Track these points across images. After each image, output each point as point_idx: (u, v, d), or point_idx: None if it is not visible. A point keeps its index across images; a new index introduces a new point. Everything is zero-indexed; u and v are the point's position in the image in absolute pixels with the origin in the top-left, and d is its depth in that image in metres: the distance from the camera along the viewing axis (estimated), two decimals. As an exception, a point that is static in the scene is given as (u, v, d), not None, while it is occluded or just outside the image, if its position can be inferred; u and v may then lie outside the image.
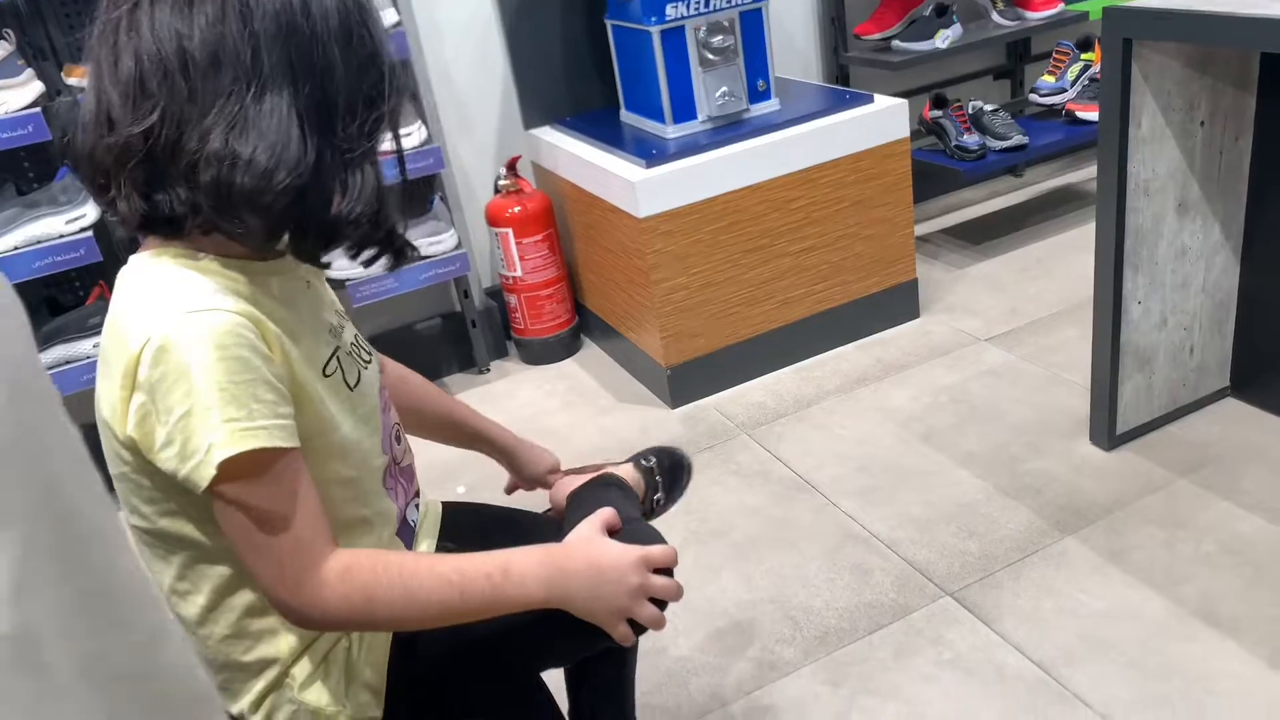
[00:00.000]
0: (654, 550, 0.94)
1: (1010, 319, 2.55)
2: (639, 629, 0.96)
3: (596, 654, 1.15)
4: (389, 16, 2.26)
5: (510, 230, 2.58)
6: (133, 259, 0.88)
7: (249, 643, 0.94)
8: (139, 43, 0.79)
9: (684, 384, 2.39)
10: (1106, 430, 1.96)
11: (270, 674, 0.95)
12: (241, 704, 0.96)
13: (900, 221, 2.50)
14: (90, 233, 2.10)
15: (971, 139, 2.70)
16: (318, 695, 0.95)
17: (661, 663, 1.66)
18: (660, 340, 2.34)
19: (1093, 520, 1.82)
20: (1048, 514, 1.85)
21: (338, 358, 0.95)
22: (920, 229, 3.13)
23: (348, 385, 0.95)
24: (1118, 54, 1.62)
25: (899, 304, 2.59)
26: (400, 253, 0.94)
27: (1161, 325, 1.92)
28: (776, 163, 2.30)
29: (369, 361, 1.04)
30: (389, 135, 0.89)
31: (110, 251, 2.21)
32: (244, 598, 0.92)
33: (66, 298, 2.25)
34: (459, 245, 2.51)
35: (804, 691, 1.56)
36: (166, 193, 0.81)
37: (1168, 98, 1.72)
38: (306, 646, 0.96)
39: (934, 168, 2.78)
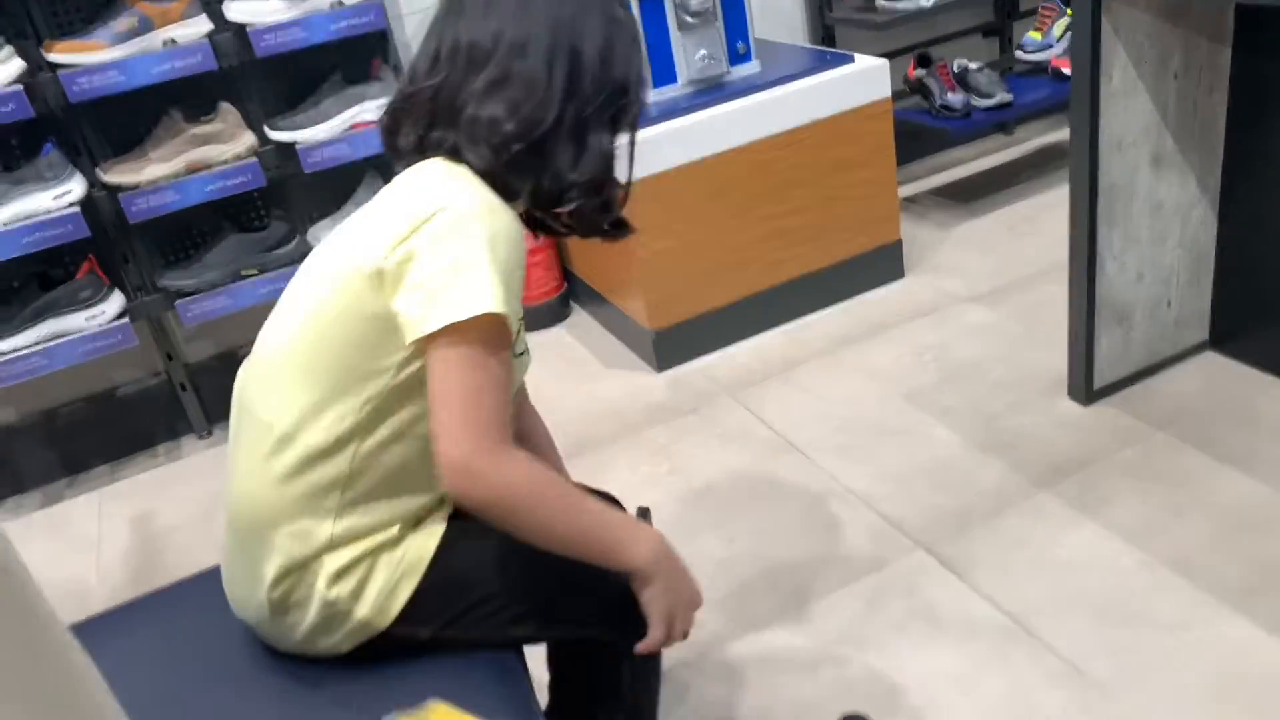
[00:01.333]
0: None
1: (995, 278, 2.56)
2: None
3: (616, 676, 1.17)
4: (366, -14, 2.26)
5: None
6: (429, 161, 1.01)
7: (308, 514, 0.98)
8: (445, 35, 1.02)
9: (670, 348, 2.41)
10: (1084, 386, 1.97)
11: (306, 550, 0.98)
12: (264, 570, 0.99)
13: (884, 182, 2.50)
14: (78, 208, 2.12)
15: (956, 98, 2.69)
16: (339, 590, 0.98)
17: (641, 619, 1.70)
18: (645, 305, 2.36)
19: (1068, 474, 1.84)
20: (1024, 469, 1.87)
21: (521, 320, 1.05)
22: (908, 189, 3.13)
23: (514, 350, 1.00)
24: (1088, 6, 1.62)
25: (884, 265, 2.59)
26: (618, 225, 1.10)
27: (1138, 280, 1.93)
28: (758, 125, 2.30)
29: (526, 350, 1.12)
30: (624, 131, 1.07)
31: (98, 226, 2.23)
32: (334, 468, 0.97)
33: (56, 272, 2.28)
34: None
35: (779, 643, 1.60)
36: (441, 132, 1.00)
37: (1140, 50, 1.72)
38: (347, 542, 0.99)
39: (919, 127, 2.78)
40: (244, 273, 2.33)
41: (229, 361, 2.54)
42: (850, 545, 1.78)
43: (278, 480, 0.98)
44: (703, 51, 2.30)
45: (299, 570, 0.99)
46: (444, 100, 1.00)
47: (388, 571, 1.00)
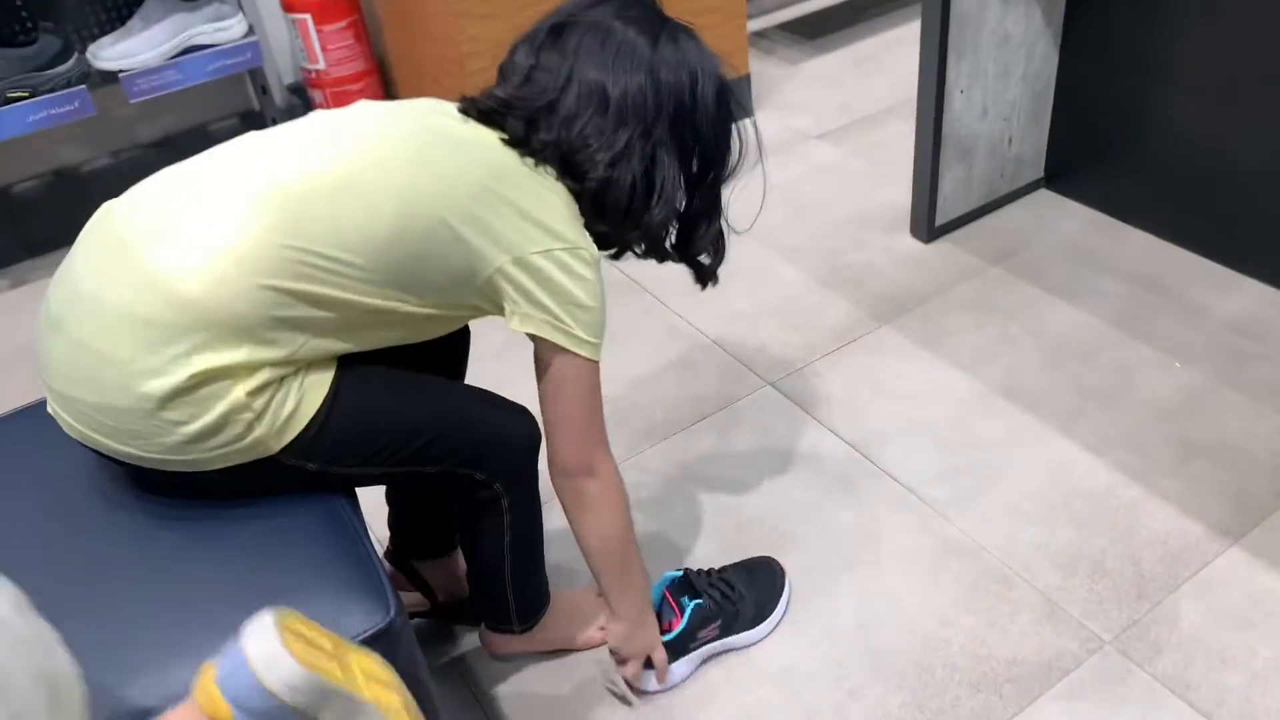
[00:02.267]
0: (660, 651, 1.25)
1: (841, 115, 2.52)
2: None
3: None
4: None
5: (309, 16, 2.32)
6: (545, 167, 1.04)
7: (260, 332, 0.91)
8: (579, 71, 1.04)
9: (509, 185, 2.27)
10: (926, 222, 1.98)
11: (233, 359, 0.90)
12: (163, 358, 0.88)
13: (732, 11, 2.38)
14: None
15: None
16: (256, 401, 0.91)
17: (485, 464, 1.63)
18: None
19: (908, 309, 1.86)
20: (866, 305, 1.88)
21: None
22: (756, 24, 3.02)
23: None
24: None
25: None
26: (704, 272, 1.31)
27: (983, 115, 1.92)
28: (600, -60, 2.12)
29: None
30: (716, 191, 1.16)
31: None
32: (308, 312, 0.93)
33: None
34: (250, 33, 2.24)
35: (628, 481, 1.56)
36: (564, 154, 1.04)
37: None
38: (270, 363, 0.93)
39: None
40: (11, 95, 2.01)
41: None
42: (699, 383, 1.75)
43: (243, 285, 0.89)
44: None
45: (213, 375, 0.89)
46: (575, 141, 1.02)
47: (295, 395, 0.95)
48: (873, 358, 1.76)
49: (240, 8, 2.24)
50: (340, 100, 2.44)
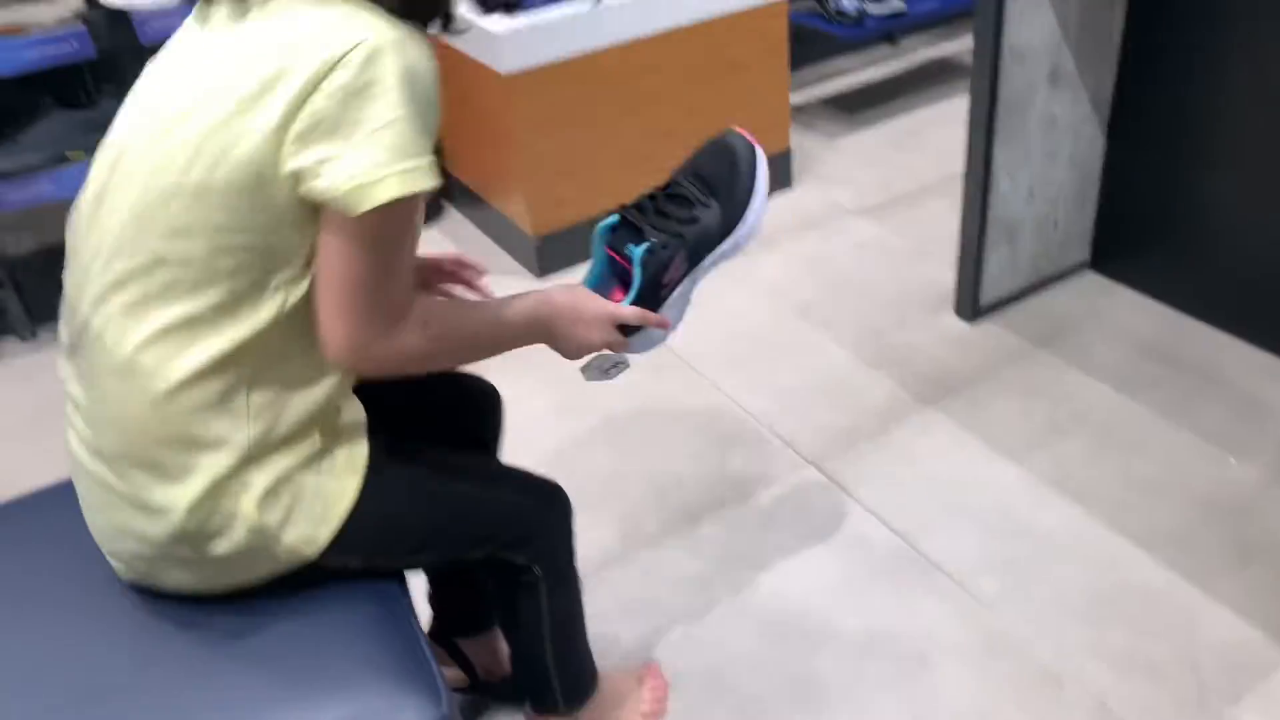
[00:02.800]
0: (624, 310, 1.02)
1: (882, 191, 2.53)
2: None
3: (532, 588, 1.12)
4: None
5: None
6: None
7: (215, 416, 0.85)
8: None
9: (553, 254, 2.29)
10: (971, 302, 1.97)
11: (221, 463, 0.86)
12: (176, 494, 0.86)
13: (775, 87, 2.41)
14: None
15: (850, 3, 2.61)
16: (269, 514, 0.88)
17: (525, 540, 1.62)
18: (527, 208, 2.22)
19: (954, 391, 1.84)
20: (911, 385, 1.87)
21: None
22: (796, 98, 3.06)
23: None
24: (1002, -92, 1.55)
25: (772, 174, 2.52)
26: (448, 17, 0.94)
27: (1029, 198, 1.92)
28: (646, 20, 2.16)
29: None
30: None
31: None
32: (246, 368, 0.85)
33: None
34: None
35: (669, 561, 1.55)
36: None
37: (1048, -41, 1.67)
38: (269, 452, 0.88)
39: (811, 32, 2.69)
40: (70, 155, 2.06)
41: (54, 257, 2.27)
42: (741, 462, 1.74)
43: (167, 390, 0.84)
44: (593, -66, 2.13)
45: (218, 491, 0.86)
46: None
47: (317, 491, 0.90)
48: (918, 441, 1.74)
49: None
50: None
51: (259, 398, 0.87)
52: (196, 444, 0.86)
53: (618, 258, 1.05)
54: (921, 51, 3.30)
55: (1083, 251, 2.09)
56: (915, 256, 2.25)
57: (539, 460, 1.77)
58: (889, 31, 2.97)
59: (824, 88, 3.13)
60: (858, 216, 2.43)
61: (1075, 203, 2.01)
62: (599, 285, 1.08)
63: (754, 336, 2.05)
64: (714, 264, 1.09)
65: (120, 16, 2.02)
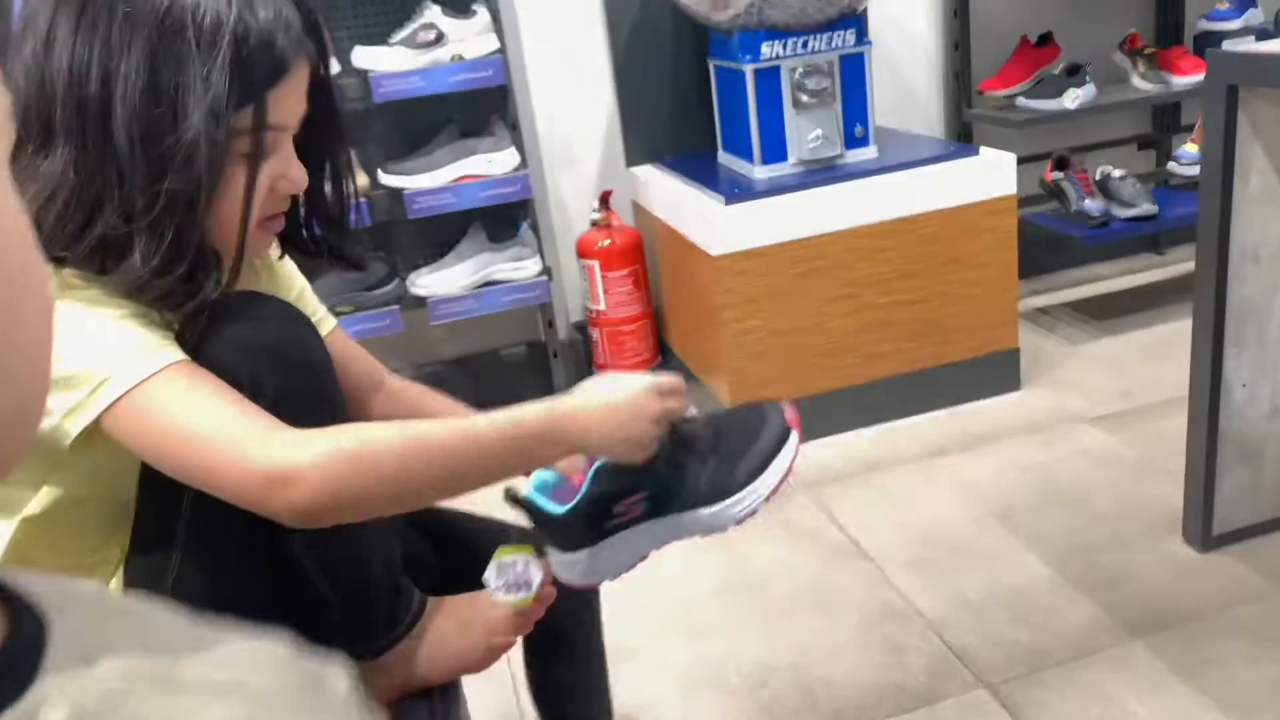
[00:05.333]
0: (662, 380, 0.90)
1: (1120, 401, 2.32)
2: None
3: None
4: (486, 43, 2.31)
5: (597, 263, 2.57)
6: None
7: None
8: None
9: (751, 433, 2.29)
10: (1201, 528, 1.73)
11: None
12: None
13: (1003, 284, 2.33)
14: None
15: (1094, 204, 2.50)
16: None
17: (661, 713, 1.56)
18: (728, 384, 2.25)
19: (1169, 625, 1.60)
20: (1118, 612, 1.64)
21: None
22: (1040, 300, 2.93)
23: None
24: (1221, 103, 1.46)
25: (998, 373, 2.40)
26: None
27: (1273, 414, 1.69)
28: (866, 209, 2.19)
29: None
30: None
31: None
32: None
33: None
34: (543, 273, 2.51)
35: (800, 768, 1.43)
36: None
37: (1287, 156, 1.53)
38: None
39: (1052, 234, 2.59)
40: (339, 310, 2.37)
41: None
42: (905, 671, 1.59)
43: None
44: (817, 132, 2.23)
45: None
46: None
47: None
48: (1115, 677, 1.52)
49: (539, 251, 2.53)
50: (614, 340, 2.63)
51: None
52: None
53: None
54: (1190, 262, 3.06)
55: (1352, 485, 1.78)
56: (1147, 473, 2.02)
57: (683, 630, 1.72)
58: (1139, 235, 2.80)
59: (1073, 292, 2.98)
60: (1088, 425, 2.24)
61: (1341, 427, 1.74)
62: (559, 482, 0.92)
63: (944, 537, 1.91)
64: (677, 533, 0.93)
65: (397, 194, 2.34)
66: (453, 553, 1.08)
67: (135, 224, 0.76)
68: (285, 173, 0.85)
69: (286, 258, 1.01)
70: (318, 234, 0.97)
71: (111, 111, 0.75)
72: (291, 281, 1.04)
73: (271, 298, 0.86)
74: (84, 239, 0.76)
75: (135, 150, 0.75)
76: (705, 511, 0.91)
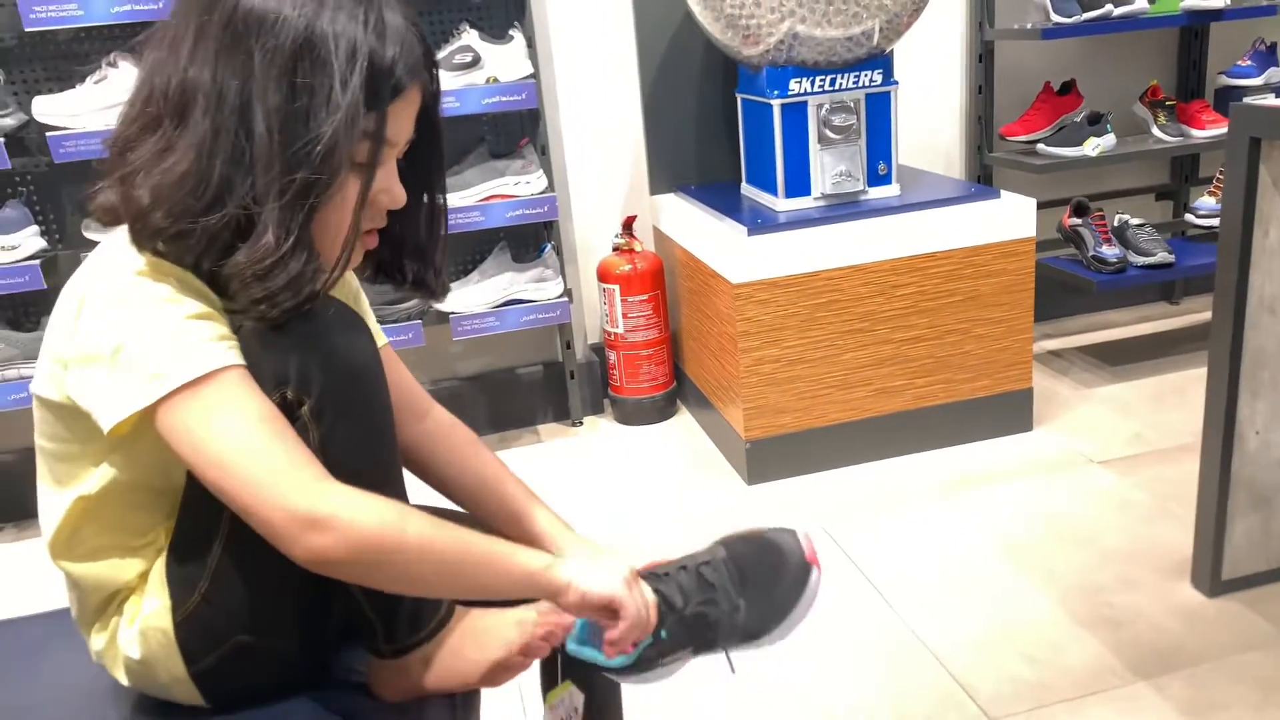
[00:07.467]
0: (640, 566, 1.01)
1: (1131, 444, 2.34)
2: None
3: None
4: (521, 68, 2.36)
5: (617, 287, 2.61)
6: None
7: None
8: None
9: (763, 461, 2.32)
10: (1210, 574, 1.74)
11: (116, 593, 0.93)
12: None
13: (1018, 324, 2.36)
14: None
15: (1111, 251, 2.54)
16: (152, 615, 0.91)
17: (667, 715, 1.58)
18: (742, 412, 2.28)
19: (1175, 668, 1.61)
20: (1124, 653, 1.66)
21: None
22: (1054, 343, 2.95)
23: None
24: (1243, 154, 1.49)
25: (1010, 413, 2.42)
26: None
27: (1285, 463, 1.71)
28: (887, 245, 2.23)
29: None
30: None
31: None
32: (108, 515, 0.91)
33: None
34: (564, 294, 2.55)
35: (805, 792, 1.44)
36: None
37: (1306, 210, 1.56)
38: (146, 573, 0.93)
39: (1069, 277, 2.62)
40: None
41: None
42: (910, 704, 1.60)
43: None
44: (841, 168, 2.27)
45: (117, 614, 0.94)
46: None
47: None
48: (1121, 718, 1.53)
49: (561, 273, 2.57)
50: (631, 363, 2.66)
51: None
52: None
53: None
54: (1201, 312, 3.09)
55: (1362, 537, 1.80)
56: (1156, 516, 2.04)
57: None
58: (1154, 282, 2.83)
59: (1087, 336, 3.00)
60: (1098, 467, 2.26)
61: (1352, 479, 1.76)
62: (590, 625, 1.01)
63: (953, 572, 1.92)
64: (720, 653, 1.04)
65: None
66: None
67: (264, 206, 0.81)
68: (388, 187, 0.90)
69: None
70: (404, 260, 1.01)
71: (250, 106, 0.80)
72: (352, 289, 1.08)
73: (335, 300, 0.89)
74: (213, 214, 0.80)
75: (272, 140, 0.80)
76: (742, 650, 1.05)
